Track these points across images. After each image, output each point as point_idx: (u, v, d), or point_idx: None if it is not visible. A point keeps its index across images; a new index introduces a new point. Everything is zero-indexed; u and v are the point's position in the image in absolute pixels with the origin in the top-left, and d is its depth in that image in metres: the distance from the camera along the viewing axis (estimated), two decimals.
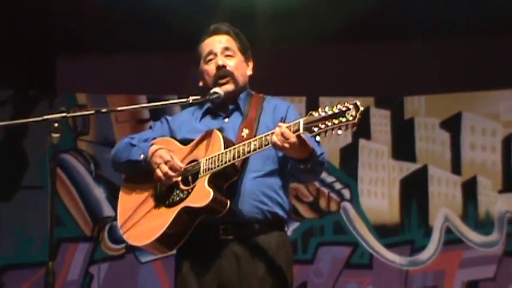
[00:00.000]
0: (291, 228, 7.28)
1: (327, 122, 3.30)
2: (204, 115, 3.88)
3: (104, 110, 3.81)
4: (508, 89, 7.28)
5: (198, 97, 3.72)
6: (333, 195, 7.36)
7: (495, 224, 7.20)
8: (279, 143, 3.38)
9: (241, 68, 3.86)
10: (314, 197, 7.35)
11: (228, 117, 3.83)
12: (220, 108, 3.85)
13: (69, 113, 3.41)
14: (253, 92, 3.92)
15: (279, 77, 7.24)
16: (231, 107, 3.84)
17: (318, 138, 3.37)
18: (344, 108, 3.29)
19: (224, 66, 3.79)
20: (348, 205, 7.37)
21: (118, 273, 7.16)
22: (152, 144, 3.77)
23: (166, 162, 3.64)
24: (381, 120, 7.45)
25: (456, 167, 7.35)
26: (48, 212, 3.34)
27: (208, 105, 3.86)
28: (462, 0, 6.90)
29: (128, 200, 3.85)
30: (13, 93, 7.27)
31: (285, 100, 4.05)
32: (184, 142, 3.80)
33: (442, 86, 7.29)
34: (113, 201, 7.22)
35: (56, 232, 3.32)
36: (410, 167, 7.42)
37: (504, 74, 7.14)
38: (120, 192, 3.92)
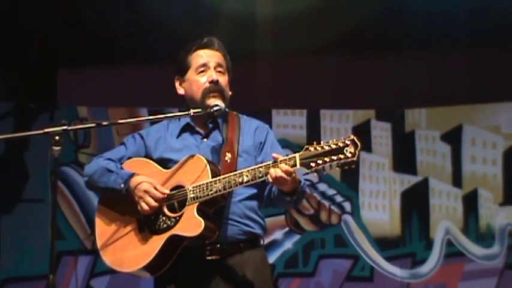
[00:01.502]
0: (292, 241, 7.28)
1: (325, 158, 3.30)
2: (181, 131, 3.85)
3: (104, 123, 3.79)
4: (508, 102, 7.29)
5: (199, 110, 3.71)
6: (334, 207, 7.36)
7: (496, 236, 7.19)
8: (277, 178, 3.39)
9: (227, 86, 3.85)
10: (315, 210, 7.34)
11: (206, 137, 3.81)
12: (199, 125, 3.83)
13: (70, 126, 3.40)
14: (227, 110, 3.87)
15: (280, 89, 7.26)
16: (210, 125, 3.82)
17: (315, 174, 3.38)
18: (342, 144, 3.29)
19: (218, 81, 3.77)
20: (349, 218, 7.36)
21: (119, 286, 7.14)
22: (134, 174, 3.70)
23: (152, 197, 3.60)
24: (381, 133, 7.45)
25: (457, 180, 7.35)
26: (49, 225, 3.33)
27: (187, 120, 3.84)
28: (463, 14, 6.92)
29: (106, 223, 3.79)
30: (14, 106, 7.26)
31: (261, 121, 4.00)
32: (163, 163, 3.76)
33: (443, 98, 7.30)
34: None
35: (56, 245, 3.31)
36: (411, 180, 7.42)
37: (505, 86, 7.15)
38: (97, 214, 3.84)
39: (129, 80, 7.41)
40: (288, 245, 7.27)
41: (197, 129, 3.83)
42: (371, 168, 7.42)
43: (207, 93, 3.76)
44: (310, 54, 7.13)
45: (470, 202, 7.29)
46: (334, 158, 3.28)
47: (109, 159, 3.84)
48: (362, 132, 7.42)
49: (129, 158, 3.85)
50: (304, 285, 7.17)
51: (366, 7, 6.88)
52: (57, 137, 3.31)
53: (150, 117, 4.31)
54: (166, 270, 3.61)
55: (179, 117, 3.80)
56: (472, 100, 7.32)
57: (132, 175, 3.69)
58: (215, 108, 3.71)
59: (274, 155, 3.45)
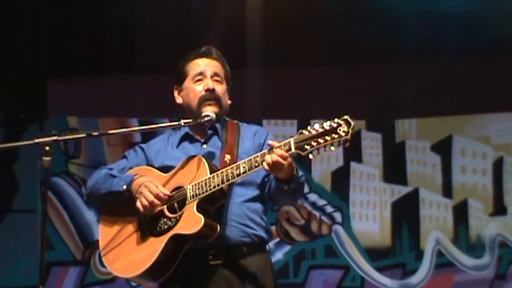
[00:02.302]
0: (282, 252, 7.27)
1: (319, 140, 3.31)
2: (181, 141, 3.86)
3: (95, 133, 3.79)
4: (498, 113, 7.31)
5: (190, 120, 3.71)
6: (324, 218, 7.35)
7: (486, 247, 7.20)
8: (273, 163, 3.38)
9: (225, 95, 3.86)
10: (305, 220, 7.34)
11: (206, 143, 3.82)
12: (198, 133, 3.84)
13: (60, 136, 3.40)
14: (227, 119, 3.90)
15: (270, 99, 7.26)
16: (209, 132, 3.83)
17: (310, 156, 3.36)
18: (335, 125, 3.30)
19: (214, 90, 3.79)
20: (339, 228, 7.36)
21: None
22: (136, 175, 3.72)
23: (151, 192, 3.60)
24: (372, 143, 7.46)
25: (447, 190, 7.36)
26: (39, 236, 3.33)
27: (186, 130, 3.85)
28: (453, 24, 6.94)
29: (109, 232, 3.79)
30: (4, 116, 7.25)
31: (260, 126, 4.01)
32: (164, 169, 3.76)
33: (433, 109, 7.32)
34: None
35: (46, 256, 3.30)
36: (402, 190, 7.42)
37: (495, 97, 7.16)
38: (100, 225, 3.84)
39: (119, 90, 7.41)
40: (279, 255, 7.26)
41: (196, 137, 3.84)
42: (361, 179, 7.43)
43: (203, 101, 3.78)
44: (300, 64, 7.14)
45: (461, 212, 7.30)
46: (328, 138, 3.29)
47: (111, 168, 3.86)
48: (352, 143, 7.41)
49: (131, 168, 3.86)
50: None
51: (356, 18, 6.89)
52: (47, 148, 3.32)
53: (141, 128, 4.32)
54: (171, 276, 3.60)
55: (170, 127, 3.81)
56: (462, 111, 7.34)
57: (134, 176, 3.71)
58: (206, 119, 3.72)
59: (270, 142, 3.47)
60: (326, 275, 7.31)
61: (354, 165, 7.42)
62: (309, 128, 3.35)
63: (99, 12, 7.04)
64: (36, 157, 3.36)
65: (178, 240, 3.54)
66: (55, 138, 3.36)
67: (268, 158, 3.39)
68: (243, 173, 3.48)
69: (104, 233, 3.81)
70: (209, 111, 3.75)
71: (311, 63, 7.08)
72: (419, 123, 7.46)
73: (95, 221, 7.22)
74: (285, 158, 3.38)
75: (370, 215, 7.40)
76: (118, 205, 3.75)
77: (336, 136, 3.29)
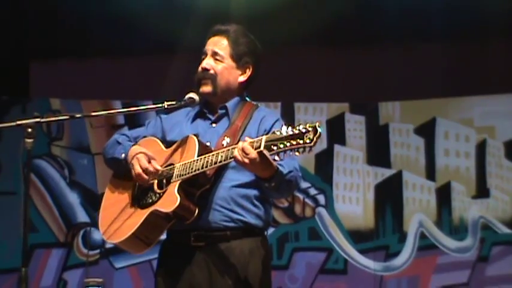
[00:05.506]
0: None
1: (285, 142, 3.27)
2: (196, 117, 3.85)
3: (78, 115, 3.79)
4: (481, 95, 7.33)
5: (173, 102, 3.70)
6: (308, 200, 7.36)
7: (469, 229, 7.23)
8: (239, 157, 3.36)
9: (227, 74, 3.80)
10: (289, 203, 7.34)
11: (216, 122, 3.80)
12: (210, 111, 3.83)
13: (42, 118, 3.39)
14: (247, 99, 3.88)
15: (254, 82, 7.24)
16: (220, 111, 3.81)
17: (276, 157, 3.34)
18: (304, 130, 3.26)
19: (207, 69, 3.78)
20: (322, 211, 7.37)
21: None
22: (133, 144, 3.78)
23: (140, 165, 3.64)
24: (356, 126, 7.47)
25: (430, 173, 7.38)
26: (21, 218, 3.31)
27: (201, 106, 3.83)
28: (437, 8, 6.94)
29: (110, 197, 3.86)
30: None
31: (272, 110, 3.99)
32: (169, 144, 3.78)
33: (417, 92, 7.32)
34: (87, 206, 7.19)
35: (29, 238, 3.29)
36: (385, 173, 7.44)
37: (478, 80, 7.18)
38: (106, 188, 3.92)
39: (102, 72, 7.38)
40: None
41: (208, 115, 3.83)
42: (345, 161, 7.44)
43: (198, 80, 3.78)
44: (284, 47, 7.12)
45: (444, 195, 7.33)
46: (294, 142, 3.26)
47: (124, 134, 3.91)
48: (336, 125, 7.44)
49: (145, 137, 3.89)
50: (278, 278, 7.18)
51: (341, 1, 6.88)
52: (29, 129, 3.30)
53: (124, 110, 4.31)
54: (161, 254, 3.71)
55: (153, 110, 3.80)
56: (445, 93, 7.35)
57: (132, 146, 3.77)
58: (188, 101, 3.71)
59: (247, 137, 3.44)
60: (309, 257, 7.33)
61: (337, 147, 7.43)
62: (282, 128, 3.32)
63: None
64: (18, 139, 3.34)
65: (158, 216, 3.58)
66: (37, 120, 3.34)
67: (235, 152, 3.38)
68: (219, 162, 3.47)
69: (106, 196, 3.88)
70: (203, 90, 3.75)
71: (295, 45, 7.07)
72: (403, 106, 7.47)
73: (78, 203, 7.22)
74: (247, 153, 3.34)
75: (353, 197, 7.42)
76: (123, 171, 3.79)
77: (301, 142, 3.24)
